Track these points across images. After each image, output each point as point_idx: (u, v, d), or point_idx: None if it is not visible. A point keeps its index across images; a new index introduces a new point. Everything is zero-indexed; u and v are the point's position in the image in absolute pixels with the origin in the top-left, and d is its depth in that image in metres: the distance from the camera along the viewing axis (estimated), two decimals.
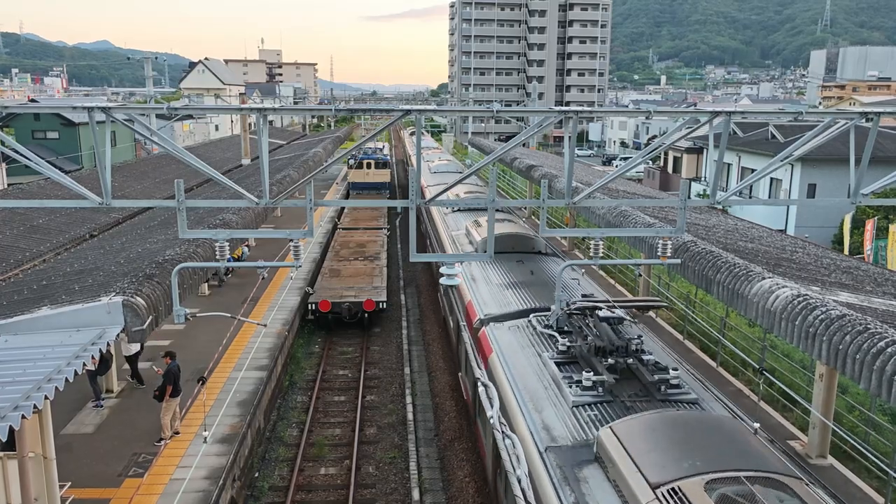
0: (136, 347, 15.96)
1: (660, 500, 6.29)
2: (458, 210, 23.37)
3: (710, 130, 9.85)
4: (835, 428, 12.44)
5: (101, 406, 14.98)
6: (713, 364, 16.94)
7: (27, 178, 33.70)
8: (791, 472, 6.81)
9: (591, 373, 8.90)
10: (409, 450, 15.41)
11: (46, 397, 7.80)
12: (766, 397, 14.89)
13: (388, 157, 52.50)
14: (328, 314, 22.53)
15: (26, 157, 8.70)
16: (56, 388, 7.96)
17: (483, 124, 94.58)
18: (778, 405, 14.66)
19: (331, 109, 8.72)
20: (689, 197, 9.23)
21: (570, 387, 8.94)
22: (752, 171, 36.19)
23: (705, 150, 45.48)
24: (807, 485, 6.66)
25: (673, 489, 6.34)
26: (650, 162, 55.06)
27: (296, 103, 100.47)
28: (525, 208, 34.94)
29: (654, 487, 6.46)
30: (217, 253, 9.39)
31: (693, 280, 12.70)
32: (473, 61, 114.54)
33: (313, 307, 22.51)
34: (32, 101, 67.23)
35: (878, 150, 28.02)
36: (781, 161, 9.40)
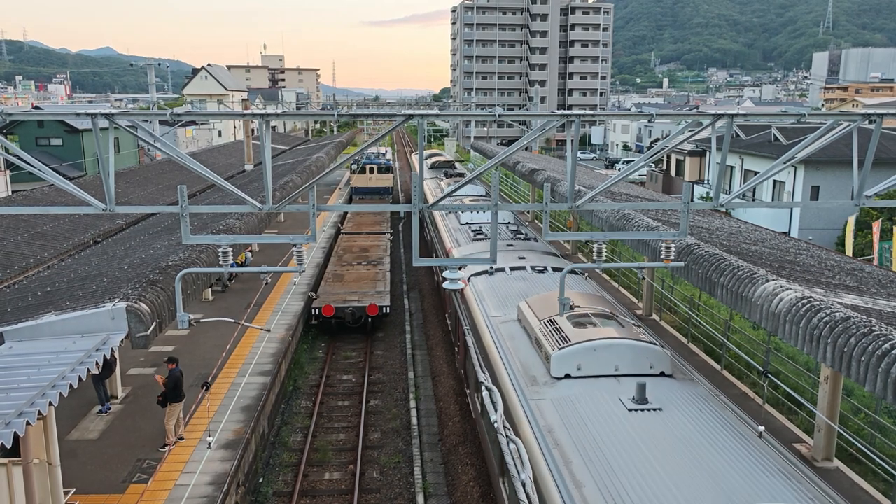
0: None
1: (544, 325, 11.74)
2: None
3: (713, 133, 9.84)
4: (840, 431, 12.38)
5: (108, 410, 14.99)
6: (717, 367, 16.89)
7: (31, 185, 33.81)
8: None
9: None
10: (413, 454, 15.40)
11: (51, 403, 7.82)
12: (770, 400, 14.84)
13: (391, 162, 52.65)
14: (331, 319, 22.55)
15: (30, 164, 8.73)
16: (60, 394, 7.98)
17: (485, 128, 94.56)
18: (783, 408, 14.61)
19: (333, 115, 8.75)
20: (691, 200, 9.23)
21: None
22: (755, 173, 36.16)
23: (708, 153, 45.47)
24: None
25: (550, 320, 11.82)
26: (653, 165, 55.09)
27: (298, 108, 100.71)
28: (528, 212, 34.95)
29: (540, 320, 12.01)
30: (220, 258, 9.41)
31: (697, 283, 12.67)
32: (475, 65, 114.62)
33: (317, 312, 22.52)
34: (36, 107, 67.55)
35: (882, 152, 27.98)
36: (784, 163, 9.39)
